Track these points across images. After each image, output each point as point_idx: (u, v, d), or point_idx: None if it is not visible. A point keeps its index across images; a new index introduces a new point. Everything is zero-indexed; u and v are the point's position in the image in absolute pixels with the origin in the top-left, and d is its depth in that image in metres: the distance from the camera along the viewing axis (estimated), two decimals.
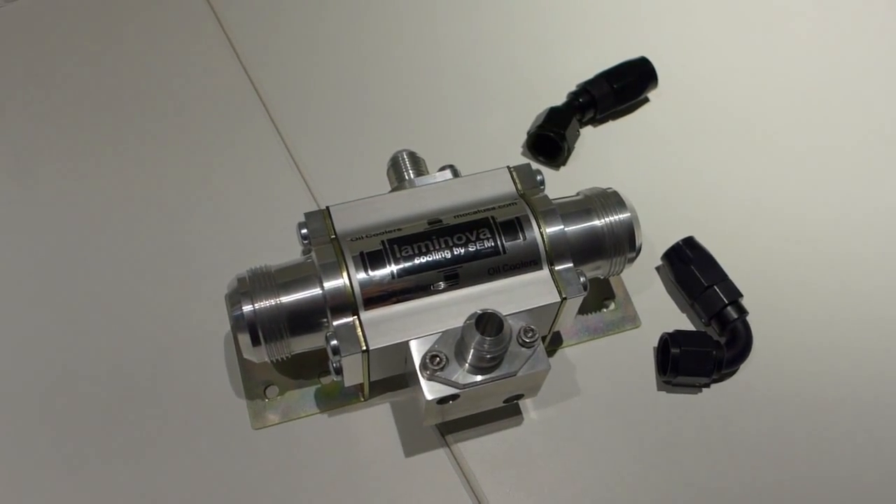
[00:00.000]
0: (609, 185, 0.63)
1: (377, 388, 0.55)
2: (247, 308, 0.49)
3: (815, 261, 0.63)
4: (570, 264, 0.51)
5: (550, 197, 0.53)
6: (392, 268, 0.49)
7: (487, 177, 0.54)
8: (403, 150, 0.57)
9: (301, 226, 0.51)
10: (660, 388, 0.57)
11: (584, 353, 0.58)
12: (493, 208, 0.52)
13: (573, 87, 0.67)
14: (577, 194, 0.56)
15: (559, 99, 0.67)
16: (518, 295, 0.50)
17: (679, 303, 0.60)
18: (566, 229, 0.52)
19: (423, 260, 0.49)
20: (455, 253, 0.50)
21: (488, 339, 0.45)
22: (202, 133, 0.67)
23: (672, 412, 0.56)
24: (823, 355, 0.58)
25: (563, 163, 0.65)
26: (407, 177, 0.56)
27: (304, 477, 0.53)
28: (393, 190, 0.56)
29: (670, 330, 0.57)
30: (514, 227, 0.51)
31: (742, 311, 0.57)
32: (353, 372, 0.50)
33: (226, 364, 0.56)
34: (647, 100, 0.69)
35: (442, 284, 0.49)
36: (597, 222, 0.53)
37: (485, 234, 0.50)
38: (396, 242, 0.50)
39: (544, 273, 0.51)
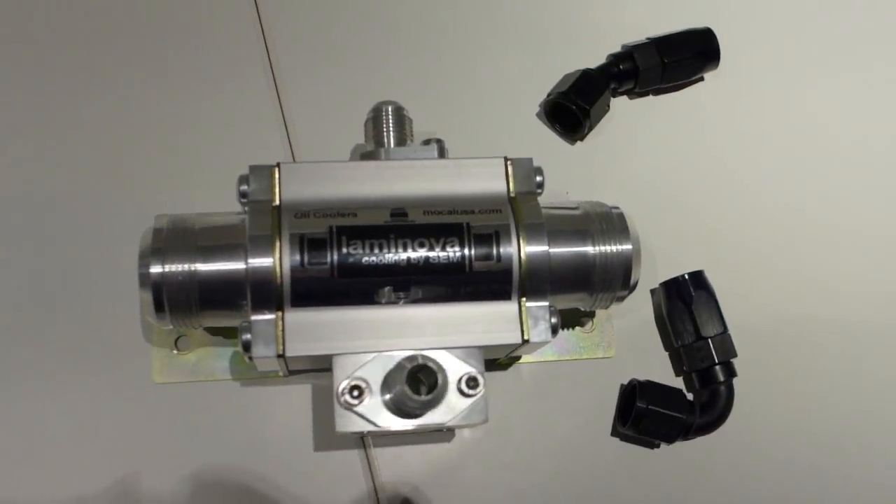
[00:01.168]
0: (628, 173, 0.54)
1: None
2: (154, 269, 0.41)
3: (835, 336, 0.54)
4: (545, 302, 0.43)
5: (546, 202, 0.45)
6: (333, 262, 0.41)
7: (477, 166, 0.44)
8: (389, 102, 0.47)
9: (242, 180, 0.43)
10: (613, 433, 0.50)
11: (542, 374, 0.51)
12: (473, 212, 0.43)
13: (617, 48, 0.56)
14: (576, 207, 0.46)
15: (597, 56, 0.56)
16: (474, 326, 0.42)
17: (665, 337, 0.52)
18: (551, 251, 0.43)
19: (372, 260, 0.41)
20: (412, 261, 0.41)
21: (418, 398, 0.38)
22: (186, 50, 0.55)
23: (621, 462, 0.50)
24: (805, 442, 0.51)
25: (581, 138, 0.55)
26: (385, 142, 0.46)
27: (197, 446, 0.47)
28: (364, 156, 0.46)
29: (645, 370, 0.50)
30: (489, 242, 0.42)
31: (730, 374, 0.49)
32: (266, 365, 0.43)
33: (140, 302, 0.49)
34: (701, 79, 0.58)
35: (388, 296, 0.41)
36: (590, 249, 0.44)
37: (453, 245, 0.42)
38: (346, 232, 0.41)
39: (511, 306, 0.42)
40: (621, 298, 0.46)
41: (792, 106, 0.58)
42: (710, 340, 0.49)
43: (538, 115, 0.56)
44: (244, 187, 0.43)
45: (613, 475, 0.50)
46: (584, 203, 0.47)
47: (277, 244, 0.41)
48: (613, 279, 0.45)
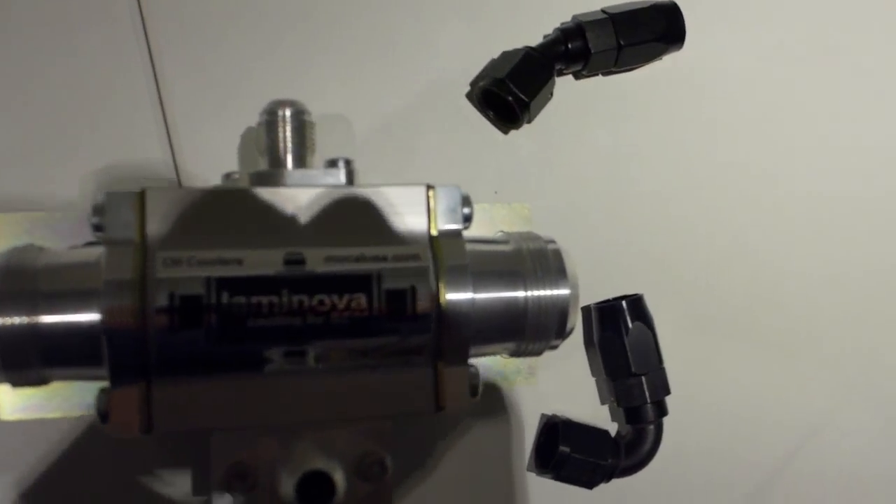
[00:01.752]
0: (568, 168, 0.48)
1: None
2: None
3: (779, 360, 0.50)
4: (464, 364, 0.37)
5: (470, 229, 0.38)
6: (212, 324, 0.33)
7: (393, 196, 0.37)
8: (287, 103, 0.38)
9: (96, 211, 0.34)
10: (530, 468, 0.46)
11: None
12: (385, 258, 0.35)
13: (567, 15, 0.47)
14: (505, 240, 0.40)
15: (545, 25, 0.47)
16: (382, 397, 0.36)
17: (594, 362, 0.48)
18: (476, 298, 0.36)
19: (259, 322, 0.34)
20: (309, 321, 0.34)
21: None
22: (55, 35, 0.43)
23: (537, 499, 0.46)
24: (738, 476, 0.49)
25: (517, 128, 0.47)
26: (282, 160, 0.38)
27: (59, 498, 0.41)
28: (255, 179, 0.37)
29: (568, 397, 0.45)
30: (402, 299, 0.35)
31: (661, 413, 0.45)
32: None
33: None
34: (658, 58, 0.50)
35: (279, 363, 0.34)
36: (521, 294, 0.38)
37: (359, 303, 0.35)
38: (228, 286, 0.33)
39: (425, 370, 0.36)
40: (554, 347, 0.40)
41: (762, 94, 0.51)
42: (643, 378, 0.45)
43: (468, 94, 0.47)
44: (96, 220, 0.34)
45: None
46: (515, 235, 0.40)
47: (142, 295, 0.33)
48: (547, 327, 0.39)
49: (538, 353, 0.40)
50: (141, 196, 0.34)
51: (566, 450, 0.43)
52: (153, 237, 0.34)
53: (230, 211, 0.35)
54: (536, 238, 0.40)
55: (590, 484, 0.44)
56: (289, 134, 0.38)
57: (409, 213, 0.37)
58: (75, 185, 0.42)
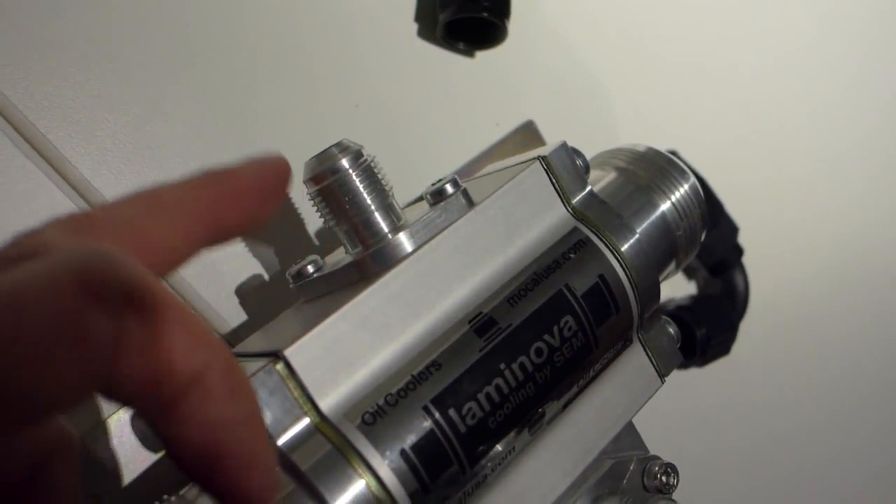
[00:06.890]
0: (555, 69, 0.43)
1: None
2: None
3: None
4: (660, 320, 0.33)
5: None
6: (461, 457, 0.25)
7: (515, 191, 0.29)
8: (344, 147, 0.28)
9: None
10: None
11: None
12: (557, 263, 0.29)
13: None
14: (605, 167, 0.35)
15: None
16: (616, 402, 0.31)
17: None
18: (641, 239, 0.31)
19: (500, 415, 0.26)
20: (539, 379, 0.27)
21: None
22: None
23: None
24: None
25: (495, 46, 0.40)
26: (377, 229, 0.28)
27: None
28: (364, 267, 0.28)
29: None
30: (600, 293, 0.29)
31: (740, 253, 0.44)
32: None
33: None
34: None
35: (525, 440, 0.28)
36: (661, 207, 0.34)
37: (570, 327, 0.28)
38: (447, 400, 0.25)
39: (635, 347, 0.32)
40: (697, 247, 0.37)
41: None
42: (716, 229, 0.43)
43: (419, 33, 0.39)
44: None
45: None
46: (602, 158, 0.36)
47: (366, 481, 0.24)
48: (694, 225, 0.35)
49: (689, 259, 0.36)
50: (285, 364, 0.24)
51: (703, 331, 0.41)
52: (332, 407, 0.24)
53: (370, 318, 0.26)
54: (618, 150, 0.35)
55: (728, 349, 0.43)
56: (362, 188, 0.28)
57: (538, 197, 0.30)
58: None
